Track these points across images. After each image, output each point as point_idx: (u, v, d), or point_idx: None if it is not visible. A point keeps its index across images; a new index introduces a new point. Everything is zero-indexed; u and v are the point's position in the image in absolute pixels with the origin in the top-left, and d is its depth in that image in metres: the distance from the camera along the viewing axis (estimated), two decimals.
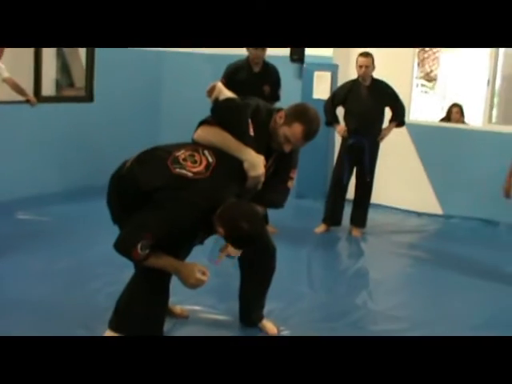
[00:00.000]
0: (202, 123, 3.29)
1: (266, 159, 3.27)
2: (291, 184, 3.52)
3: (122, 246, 2.98)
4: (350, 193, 6.26)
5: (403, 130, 6.50)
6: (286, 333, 3.83)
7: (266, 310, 3.90)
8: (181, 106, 7.83)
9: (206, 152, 3.10)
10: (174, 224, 2.94)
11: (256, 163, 3.14)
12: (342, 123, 6.15)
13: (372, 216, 6.40)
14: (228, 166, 3.09)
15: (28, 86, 6.68)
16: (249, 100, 3.37)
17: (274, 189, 3.46)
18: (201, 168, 3.01)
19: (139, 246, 2.89)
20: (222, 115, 3.26)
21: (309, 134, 3.24)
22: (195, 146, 3.18)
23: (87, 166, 7.21)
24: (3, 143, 6.07)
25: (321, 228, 6.22)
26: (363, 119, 5.97)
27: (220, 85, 3.35)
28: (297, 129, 3.20)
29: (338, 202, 6.20)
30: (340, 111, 6.20)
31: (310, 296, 4.49)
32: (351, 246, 5.96)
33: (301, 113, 3.25)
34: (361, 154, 6.05)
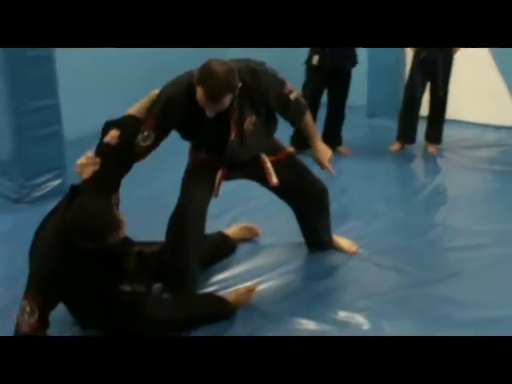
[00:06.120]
0: None
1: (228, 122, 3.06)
2: (296, 94, 3.27)
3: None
4: (425, 109, 6.06)
5: None
6: (361, 251, 3.79)
7: (342, 230, 3.86)
8: None
9: None
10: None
11: None
12: None
13: (447, 132, 6.17)
14: None
15: None
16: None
17: (287, 115, 3.31)
18: None
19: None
20: None
21: (209, 95, 2.83)
22: None
23: None
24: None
25: (395, 146, 6.07)
26: None
27: None
28: (199, 93, 2.86)
29: (412, 118, 6.01)
30: None
31: (388, 214, 4.40)
32: (427, 163, 5.79)
33: (198, 74, 2.87)
34: (434, 68, 5.80)
